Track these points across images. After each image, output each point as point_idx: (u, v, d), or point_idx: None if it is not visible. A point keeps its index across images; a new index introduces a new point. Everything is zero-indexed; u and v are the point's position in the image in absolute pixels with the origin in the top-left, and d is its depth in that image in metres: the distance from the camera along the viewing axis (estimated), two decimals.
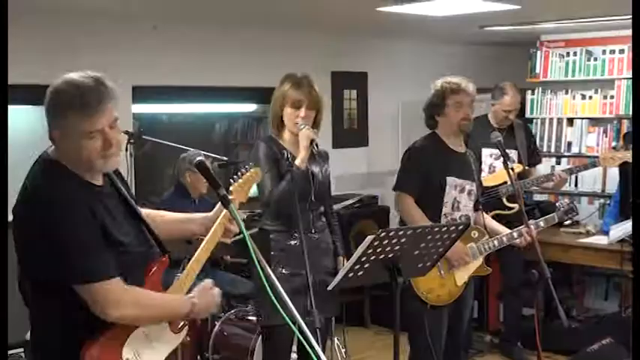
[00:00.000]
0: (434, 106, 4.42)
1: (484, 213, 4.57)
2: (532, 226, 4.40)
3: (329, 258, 4.03)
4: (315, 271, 3.70)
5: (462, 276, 4.39)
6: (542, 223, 4.55)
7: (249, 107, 8.36)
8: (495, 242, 4.43)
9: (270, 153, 3.90)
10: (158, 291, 2.71)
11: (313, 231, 3.95)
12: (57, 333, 2.56)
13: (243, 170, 3.09)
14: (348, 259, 4.00)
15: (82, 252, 2.45)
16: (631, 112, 6.69)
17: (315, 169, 3.95)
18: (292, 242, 3.89)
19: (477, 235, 4.43)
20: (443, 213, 4.35)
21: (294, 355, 4.24)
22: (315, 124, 3.95)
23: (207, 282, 2.81)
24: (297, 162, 3.79)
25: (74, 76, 2.52)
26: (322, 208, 4.08)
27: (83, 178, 2.56)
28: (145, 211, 2.93)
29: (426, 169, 4.37)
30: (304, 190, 3.84)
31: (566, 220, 5.03)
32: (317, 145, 3.83)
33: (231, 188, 3.00)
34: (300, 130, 3.82)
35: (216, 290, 2.82)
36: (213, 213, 2.93)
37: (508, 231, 4.48)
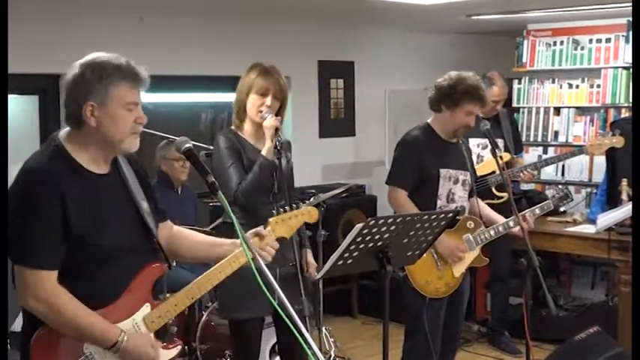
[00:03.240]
0: (449, 98, 4.27)
1: (479, 200, 4.54)
2: (528, 214, 4.38)
3: (293, 251, 3.78)
4: (280, 263, 3.65)
5: (459, 268, 4.35)
6: (537, 211, 4.49)
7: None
8: (492, 232, 4.38)
9: (231, 145, 3.79)
10: (145, 297, 2.66)
11: (282, 210, 3.81)
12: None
13: (297, 204, 3.03)
14: (311, 253, 3.98)
15: (25, 232, 2.47)
16: (617, 101, 6.72)
17: (278, 160, 3.79)
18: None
19: (472, 225, 4.38)
20: (438, 206, 4.30)
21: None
22: (280, 117, 3.82)
23: (151, 340, 2.66)
24: (264, 152, 3.69)
25: (110, 54, 2.59)
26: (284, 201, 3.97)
27: (81, 165, 2.57)
28: (177, 228, 2.96)
29: (419, 162, 4.30)
30: (268, 181, 3.73)
31: (561, 207, 5.04)
32: (280, 135, 3.72)
33: (272, 219, 2.92)
34: (264, 119, 3.71)
35: (155, 352, 2.64)
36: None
37: (503, 219, 4.43)
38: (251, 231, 2.86)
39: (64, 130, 2.62)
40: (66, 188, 2.49)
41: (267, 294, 2.43)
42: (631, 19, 6.58)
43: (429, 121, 4.44)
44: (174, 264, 3.06)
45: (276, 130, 3.69)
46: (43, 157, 2.56)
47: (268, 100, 3.76)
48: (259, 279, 2.43)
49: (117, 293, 2.61)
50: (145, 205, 2.71)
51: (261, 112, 3.75)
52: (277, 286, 2.48)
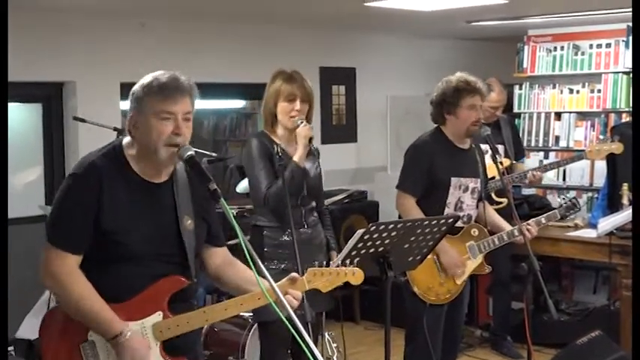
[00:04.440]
0: (446, 104, 4.29)
1: (487, 204, 4.54)
2: (533, 222, 4.38)
3: (322, 253, 4.01)
4: (307, 266, 3.70)
5: (461, 275, 4.33)
6: (543, 220, 4.44)
7: (238, 103, 8.34)
8: (496, 240, 4.35)
9: (263, 148, 3.88)
10: (160, 305, 2.69)
11: (305, 226, 3.95)
12: None
13: (343, 263, 2.99)
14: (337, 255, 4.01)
15: (57, 213, 2.67)
16: (618, 106, 6.74)
17: (308, 165, 3.94)
18: (285, 238, 3.87)
19: (477, 233, 4.36)
20: (445, 214, 4.26)
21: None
22: (308, 119, 3.95)
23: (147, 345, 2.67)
24: (296, 158, 3.79)
25: (159, 71, 2.74)
26: (314, 204, 4.07)
27: (132, 168, 2.69)
28: (231, 258, 2.97)
29: (429, 168, 4.28)
30: (298, 187, 3.84)
31: (568, 217, 5.02)
32: (312, 144, 3.86)
33: (311, 269, 2.84)
34: (297, 126, 3.82)
35: (148, 354, 2.66)
36: (281, 282, 2.79)
37: (509, 226, 4.40)
38: (288, 276, 2.82)
39: (126, 138, 2.76)
40: (107, 183, 2.64)
41: (273, 304, 2.47)
42: (631, 24, 6.61)
43: (440, 126, 4.41)
44: None
45: (310, 139, 3.79)
46: (99, 152, 2.73)
47: (297, 105, 3.86)
48: (277, 309, 2.48)
49: (131, 294, 2.67)
50: (188, 221, 2.76)
51: (293, 117, 3.86)
52: (285, 302, 2.52)
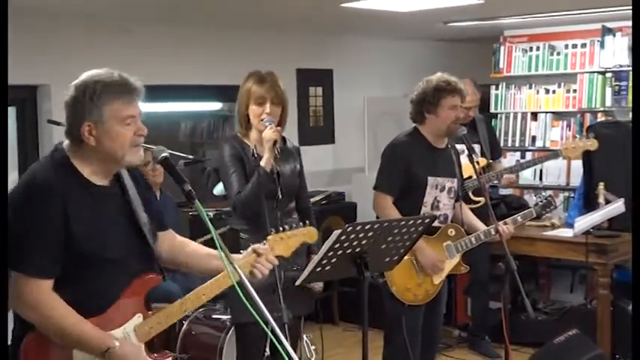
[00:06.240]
0: (427, 103, 4.29)
1: (463, 205, 4.54)
2: (510, 221, 4.40)
3: (301, 256, 3.89)
4: (285, 268, 3.68)
5: (439, 275, 4.34)
6: (519, 218, 4.48)
7: (215, 106, 8.31)
8: (473, 240, 4.36)
9: (234, 153, 3.85)
10: (138, 307, 2.68)
11: (282, 229, 3.85)
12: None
13: (296, 225, 3.08)
14: None
15: (25, 240, 2.49)
16: (593, 106, 6.80)
17: (283, 167, 3.87)
18: (263, 241, 3.82)
19: (454, 233, 4.37)
20: (422, 213, 4.27)
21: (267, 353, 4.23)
22: (281, 122, 3.88)
23: (142, 352, 2.68)
24: (262, 163, 3.72)
25: (102, 70, 2.60)
26: (292, 205, 4.00)
27: (84, 176, 2.59)
28: (180, 238, 2.96)
29: (406, 168, 4.28)
30: (270, 190, 3.75)
31: (544, 215, 5.05)
32: (279, 148, 3.75)
33: (270, 236, 2.96)
34: (265, 127, 3.75)
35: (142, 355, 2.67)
36: (242, 256, 2.85)
37: (485, 227, 4.41)
38: (250, 247, 2.89)
39: (67, 142, 2.63)
40: (69, 199, 2.52)
41: (249, 306, 2.47)
42: (606, 24, 6.67)
43: (417, 126, 4.42)
44: None
45: (275, 142, 3.71)
46: (49, 167, 2.59)
47: (267, 108, 3.80)
48: (240, 292, 2.46)
49: (110, 302, 2.62)
50: (143, 215, 2.74)
51: (262, 120, 3.79)
52: (258, 298, 2.49)
